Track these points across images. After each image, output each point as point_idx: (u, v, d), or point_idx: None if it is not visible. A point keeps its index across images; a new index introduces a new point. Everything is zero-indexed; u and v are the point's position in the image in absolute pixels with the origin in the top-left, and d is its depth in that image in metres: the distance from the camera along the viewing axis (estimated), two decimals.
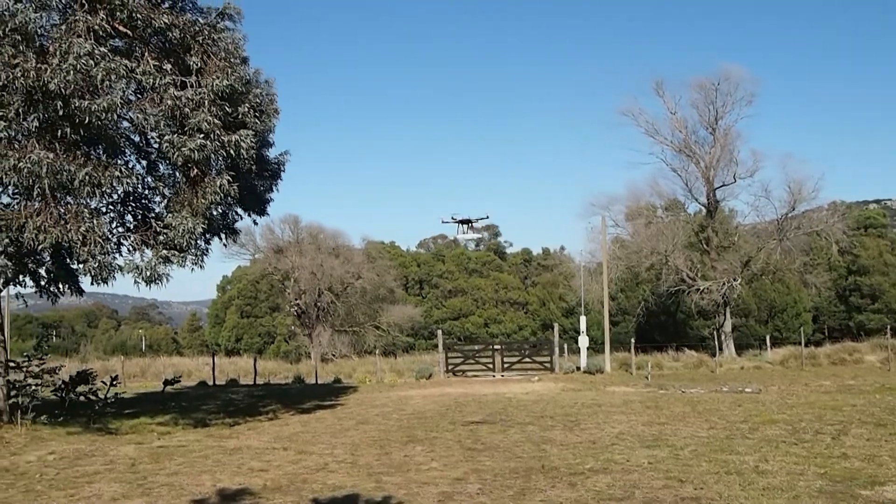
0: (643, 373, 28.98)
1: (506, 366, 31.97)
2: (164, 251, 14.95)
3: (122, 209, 17.22)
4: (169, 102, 14.56)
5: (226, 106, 15.52)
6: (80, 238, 13.91)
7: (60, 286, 17.57)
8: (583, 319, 35.43)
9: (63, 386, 17.72)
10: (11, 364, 16.70)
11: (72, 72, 13.22)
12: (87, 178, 13.65)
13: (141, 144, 17.04)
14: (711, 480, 9.78)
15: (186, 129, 14.77)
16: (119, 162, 15.81)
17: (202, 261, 16.53)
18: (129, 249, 16.01)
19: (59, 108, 13.56)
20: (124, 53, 14.94)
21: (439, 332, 37.57)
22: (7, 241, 13.63)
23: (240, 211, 19.02)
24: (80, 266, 14.99)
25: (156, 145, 16.22)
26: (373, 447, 13.18)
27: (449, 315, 74.89)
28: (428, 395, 22.75)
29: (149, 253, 15.26)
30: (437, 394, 23.24)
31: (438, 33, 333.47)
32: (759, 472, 10.20)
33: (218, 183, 15.24)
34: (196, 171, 15.23)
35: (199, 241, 16.24)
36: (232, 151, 15.17)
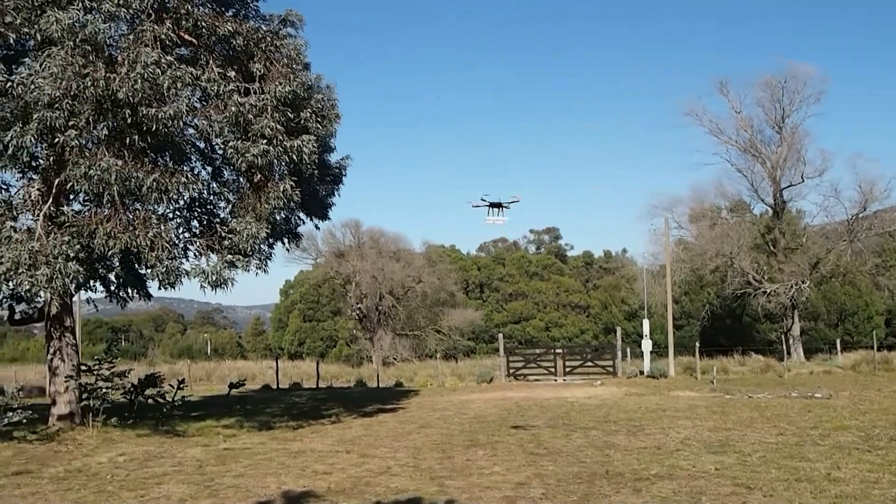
0: (708, 377, 28.28)
1: (567, 370, 31.59)
2: (229, 256, 15.18)
3: (188, 215, 17.61)
4: (233, 109, 14.80)
5: (288, 112, 15.73)
6: (149, 243, 14.20)
7: (129, 291, 18.03)
8: (646, 323, 34.80)
9: (132, 389, 18.16)
10: (83, 367, 17.18)
11: (139, 80, 13.51)
12: (154, 184, 13.93)
13: (206, 151, 17.38)
14: (781, 488, 9.49)
15: (250, 135, 14.99)
16: (185, 168, 16.19)
17: (266, 265, 16.74)
18: (195, 254, 16.37)
19: (127, 116, 13.87)
20: (190, 61, 15.26)
21: (500, 335, 37.43)
22: (78, 246, 13.95)
23: (302, 215, 19.27)
24: (148, 271, 15.33)
25: (220, 151, 16.52)
26: (435, 451, 13.12)
27: (510, 319, 74.54)
28: (489, 399, 22.60)
29: (214, 258, 15.51)
30: (498, 398, 23.07)
31: (500, 40, 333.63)
32: (832, 480, 9.86)
33: (281, 188, 15.42)
34: (259, 176, 15.43)
35: (262, 246, 16.44)
36: (294, 157, 15.37)
